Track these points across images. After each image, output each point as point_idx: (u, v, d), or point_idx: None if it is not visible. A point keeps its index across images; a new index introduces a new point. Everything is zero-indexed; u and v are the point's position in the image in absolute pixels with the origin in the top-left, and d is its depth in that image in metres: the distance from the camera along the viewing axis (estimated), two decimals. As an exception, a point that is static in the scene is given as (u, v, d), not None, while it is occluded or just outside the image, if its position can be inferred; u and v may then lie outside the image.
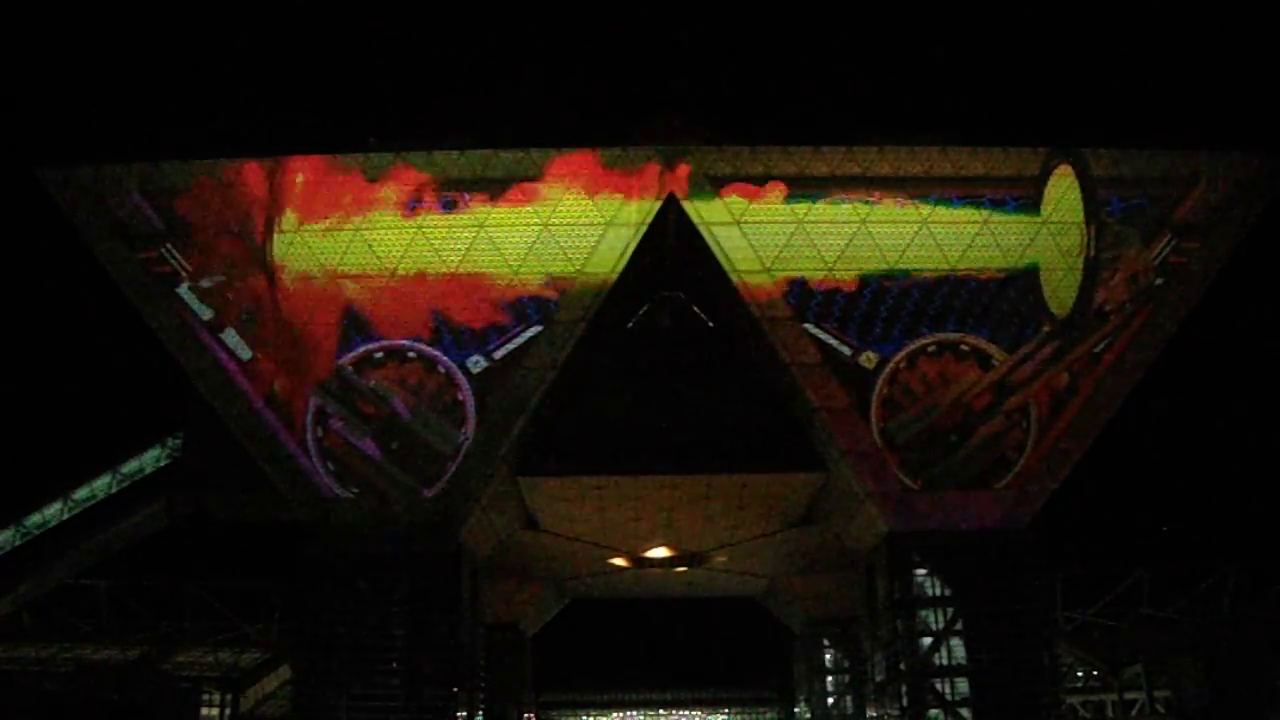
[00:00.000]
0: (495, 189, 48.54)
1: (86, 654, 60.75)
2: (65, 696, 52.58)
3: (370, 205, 48.82)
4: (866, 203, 48.90)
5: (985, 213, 49.19)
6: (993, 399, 50.13)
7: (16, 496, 55.83)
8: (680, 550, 65.42)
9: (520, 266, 48.80)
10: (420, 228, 48.78)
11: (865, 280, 49.35)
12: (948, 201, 49.15)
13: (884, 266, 49.36)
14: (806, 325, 49.40)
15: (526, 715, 77.28)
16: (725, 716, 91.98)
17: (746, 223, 48.65)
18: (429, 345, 49.73)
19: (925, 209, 49.02)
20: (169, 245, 49.01)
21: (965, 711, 49.28)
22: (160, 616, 63.16)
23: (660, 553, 65.73)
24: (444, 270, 49.05)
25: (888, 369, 49.86)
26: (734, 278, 48.80)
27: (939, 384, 50.06)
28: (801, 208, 48.81)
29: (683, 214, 48.49)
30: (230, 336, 49.63)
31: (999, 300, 49.81)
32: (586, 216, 48.28)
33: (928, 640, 50.46)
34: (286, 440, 49.74)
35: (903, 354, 49.92)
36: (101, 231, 48.88)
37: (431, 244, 48.79)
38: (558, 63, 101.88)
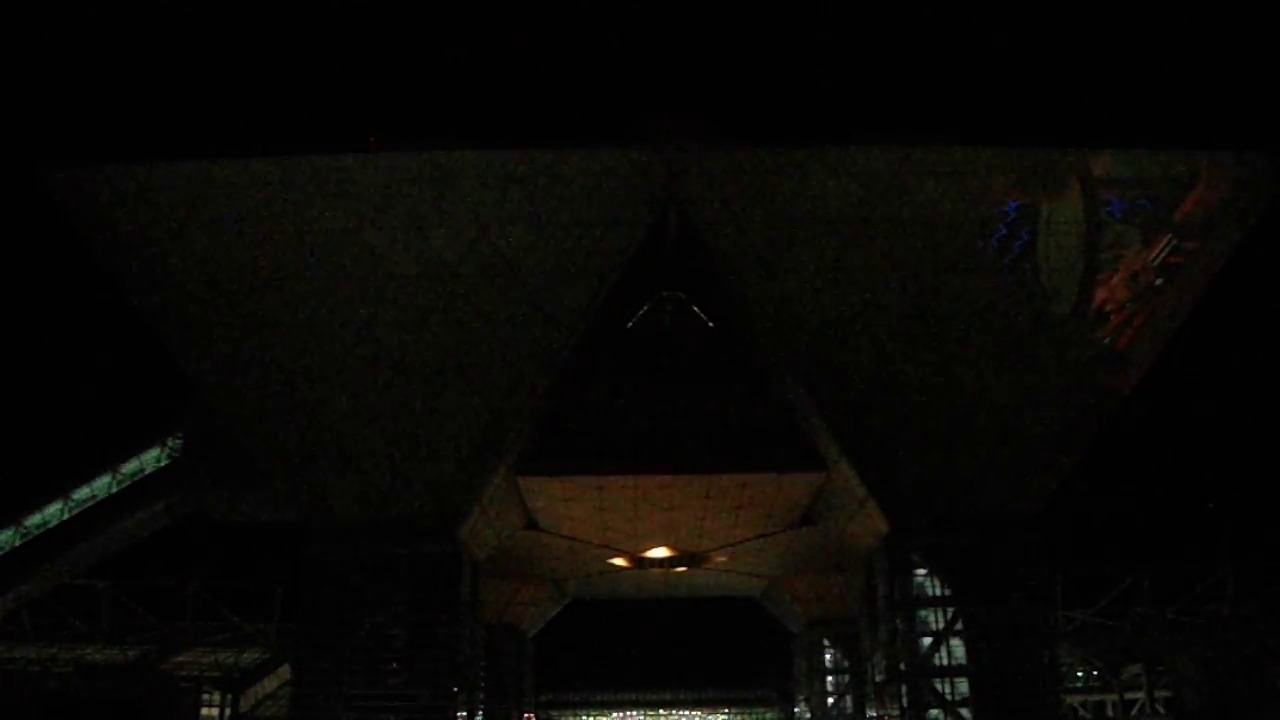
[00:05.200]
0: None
1: (86, 654, 60.83)
2: (65, 696, 52.63)
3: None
4: None
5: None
6: (993, 399, 49.98)
7: (16, 496, 55.90)
8: (680, 550, 65.37)
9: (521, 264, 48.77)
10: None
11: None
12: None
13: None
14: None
15: (526, 715, 77.27)
16: (725, 716, 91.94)
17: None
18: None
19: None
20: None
21: (965, 711, 49.24)
22: (160, 616, 63.18)
23: (660, 553, 65.68)
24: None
25: (887, 369, 49.69)
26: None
27: (939, 384, 49.91)
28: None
29: (683, 214, 48.46)
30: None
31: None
32: (587, 216, 48.21)
33: (928, 640, 50.43)
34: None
35: (903, 354, 49.76)
36: (101, 231, 48.83)
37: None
38: (557, 62, 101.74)
